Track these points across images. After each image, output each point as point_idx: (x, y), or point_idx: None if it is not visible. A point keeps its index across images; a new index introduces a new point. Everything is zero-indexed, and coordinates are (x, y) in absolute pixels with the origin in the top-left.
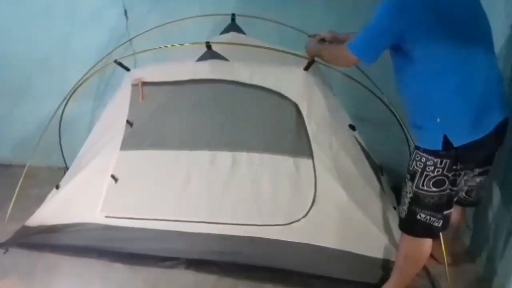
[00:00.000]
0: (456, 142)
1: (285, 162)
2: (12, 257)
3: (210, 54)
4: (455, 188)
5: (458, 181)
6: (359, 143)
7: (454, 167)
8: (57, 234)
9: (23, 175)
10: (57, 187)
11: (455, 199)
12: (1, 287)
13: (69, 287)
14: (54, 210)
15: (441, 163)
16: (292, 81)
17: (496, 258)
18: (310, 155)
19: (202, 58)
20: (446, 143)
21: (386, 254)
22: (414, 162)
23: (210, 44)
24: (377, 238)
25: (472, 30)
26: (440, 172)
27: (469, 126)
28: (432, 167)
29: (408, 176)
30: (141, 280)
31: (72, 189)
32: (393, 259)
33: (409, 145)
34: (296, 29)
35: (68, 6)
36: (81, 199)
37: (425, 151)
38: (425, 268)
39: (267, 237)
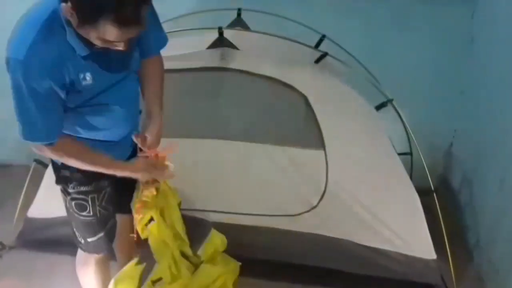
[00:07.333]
0: None
1: (296, 153)
2: (12, 257)
3: (221, 41)
4: None
5: None
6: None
7: None
8: (64, 228)
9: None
10: None
11: None
12: (1, 287)
13: (69, 287)
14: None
15: None
16: (302, 73)
17: (497, 258)
18: (322, 146)
19: (214, 45)
20: None
21: (395, 247)
22: None
23: (223, 30)
24: (389, 231)
25: None
26: None
27: None
28: None
29: None
30: None
31: None
32: (404, 252)
33: None
34: (304, 25)
35: None
36: None
37: None
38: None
39: (276, 227)
